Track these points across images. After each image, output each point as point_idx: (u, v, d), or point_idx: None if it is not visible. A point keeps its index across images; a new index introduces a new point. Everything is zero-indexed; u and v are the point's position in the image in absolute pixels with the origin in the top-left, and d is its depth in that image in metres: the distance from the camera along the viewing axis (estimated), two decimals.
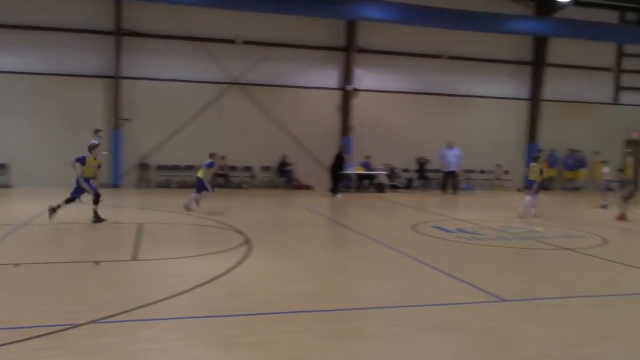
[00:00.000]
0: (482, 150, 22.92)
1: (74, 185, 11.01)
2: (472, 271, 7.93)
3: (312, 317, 5.66)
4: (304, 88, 21.43)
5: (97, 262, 7.67)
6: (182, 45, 20.11)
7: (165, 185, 20.24)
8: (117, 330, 5.12)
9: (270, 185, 21.18)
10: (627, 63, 24.78)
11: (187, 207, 13.40)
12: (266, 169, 21.34)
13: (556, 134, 23.72)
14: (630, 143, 24.79)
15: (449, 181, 21.16)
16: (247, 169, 21.12)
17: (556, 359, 4.76)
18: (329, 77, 21.70)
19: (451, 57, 22.62)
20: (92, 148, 11.30)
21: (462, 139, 21.96)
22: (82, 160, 10.97)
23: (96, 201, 11.12)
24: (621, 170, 15.99)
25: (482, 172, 23.31)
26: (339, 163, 18.95)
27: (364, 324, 5.50)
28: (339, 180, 19.08)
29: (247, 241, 9.65)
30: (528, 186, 14.58)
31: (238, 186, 20.50)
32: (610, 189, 17.62)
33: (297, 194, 19.20)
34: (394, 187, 21.37)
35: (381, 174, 21.27)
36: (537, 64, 23.43)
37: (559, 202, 19.29)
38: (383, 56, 21.96)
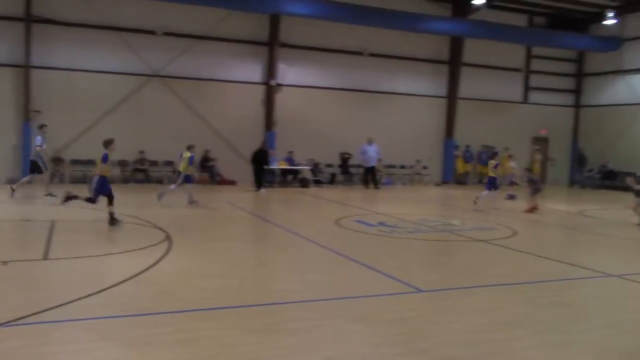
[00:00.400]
0: (402, 146, 23.55)
1: (95, 185, 10.62)
2: (392, 263, 8.15)
3: (237, 313, 5.62)
4: (227, 82, 21.13)
5: (4, 262, 7.22)
6: (99, 34, 19.25)
7: (80, 180, 19.32)
8: (26, 333, 4.84)
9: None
10: (535, 64, 26.25)
11: (191, 200, 13.85)
12: None
13: (471, 131, 24.78)
14: (538, 140, 26.32)
15: (370, 176, 21.61)
16: (168, 163, 20.56)
17: (468, 344, 4.99)
18: (253, 71, 21.52)
19: (372, 55, 23.05)
20: (109, 143, 10.65)
21: (383, 135, 22.47)
22: (106, 159, 10.48)
23: (111, 202, 10.58)
24: (529, 169, 17.07)
25: (403, 167, 23.96)
26: (260, 158, 18.89)
27: (289, 318, 5.53)
28: (263, 175, 19.02)
29: (168, 237, 9.41)
30: (489, 183, 15.44)
31: (159, 181, 19.93)
32: (514, 183, 18.70)
33: (220, 189, 18.93)
34: (317, 182, 21.55)
35: (305, 169, 21.39)
36: (454, 63, 24.36)
37: (474, 196, 20.14)
38: (306, 52, 22.05)
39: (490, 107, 25.26)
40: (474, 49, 24.39)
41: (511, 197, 17.69)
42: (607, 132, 25.45)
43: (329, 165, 22.61)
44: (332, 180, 22.23)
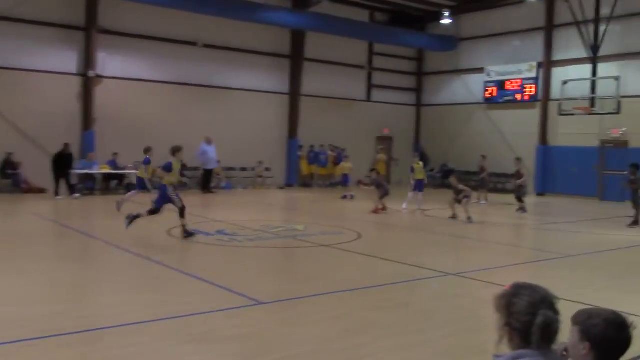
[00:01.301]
0: (243, 146, 23.62)
1: (158, 194, 11.15)
2: (231, 275, 8.16)
3: (45, 344, 5.20)
4: (32, 72, 19.52)
5: None
6: None
7: None
8: None
9: None
10: (378, 62, 27.97)
11: (119, 207, 13.82)
12: None
13: (315, 130, 25.61)
14: (382, 139, 28.03)
15: (208, 179, 21.38)
16: None
17: (313, 355, 5.16)
18: (66, 60, 20.15)
19: (208, 46, 22.85)
20: (177, 151, 11.14)
21: (222, 134, 22.35)
22: (168, 168, 10.82)
23: (183, 214, 10.80)
24: (374, 169, 18.24)
25: (243, 169, 24.04)
26: (62, 162, 17.92)
27: (112, 344, 5.26)
28: (69, 180, 18.04)
29: None
30: (417, 185, 17.20)
31: None
32: (363, 184, 19.82)
33: (26, 199, 17.45)
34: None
35: (132, 173, 20.51)
36: (296, 58, 25.04)
37: (319, 199, 20.91)
38: (132, 40, 21.18)
39: (334, 105, 26.34)
40: (317, 44, 25.29)
41: (345, 197, 18.84)
42: (446, 131, 27.93)
43: None
44: None
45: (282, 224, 13.81)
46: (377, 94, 28.11)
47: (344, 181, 20.81)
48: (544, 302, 2.23)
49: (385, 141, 28.10)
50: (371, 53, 27.70)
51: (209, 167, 21.34)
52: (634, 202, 14.77)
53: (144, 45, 21.46)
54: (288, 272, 9.24)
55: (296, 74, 25.05)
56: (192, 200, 19.11)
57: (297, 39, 24.95)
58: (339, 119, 26.42)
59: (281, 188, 24.34)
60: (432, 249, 11.60)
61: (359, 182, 19.24)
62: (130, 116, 21.12)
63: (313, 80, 25.56)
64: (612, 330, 2.14)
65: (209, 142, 21.27)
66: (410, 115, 29.47)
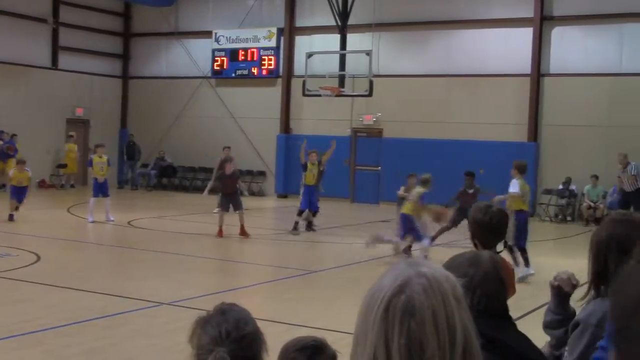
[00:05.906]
0: None
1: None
2: None
3: None
4: None
5: None
6: None
7: None
8: None
9: None
10: (67, 15, 27.01)
11: None
12: None
13: None
14: (74, 123, 27.13)
15: None
16: None
17: None
18: None
19: None
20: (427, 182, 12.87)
21: None
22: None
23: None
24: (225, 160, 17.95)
25: None
26: None
27: None
28: None
29: None
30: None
31: None
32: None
33: None
34: None
35: None
36: None
37: None
38: None
39: (4, 73, 24.90)
40: None
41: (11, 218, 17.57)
42: (163, 113, 28.05)
43: None
44: None
45: None
46: (66, 60, 27.22)
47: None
48: (229, 336, 2.23)
49: (78, 126, 27.34)
50: (57, 1, 26.72)
51: None
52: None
53: None
54: None
55: None
56: None
57: None
58: (8, 92, 25.00)
59: None
60: (141, 271, 11.71)
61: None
62: None
63: None
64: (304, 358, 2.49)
65: None
66: (115, 91, 29.16)
